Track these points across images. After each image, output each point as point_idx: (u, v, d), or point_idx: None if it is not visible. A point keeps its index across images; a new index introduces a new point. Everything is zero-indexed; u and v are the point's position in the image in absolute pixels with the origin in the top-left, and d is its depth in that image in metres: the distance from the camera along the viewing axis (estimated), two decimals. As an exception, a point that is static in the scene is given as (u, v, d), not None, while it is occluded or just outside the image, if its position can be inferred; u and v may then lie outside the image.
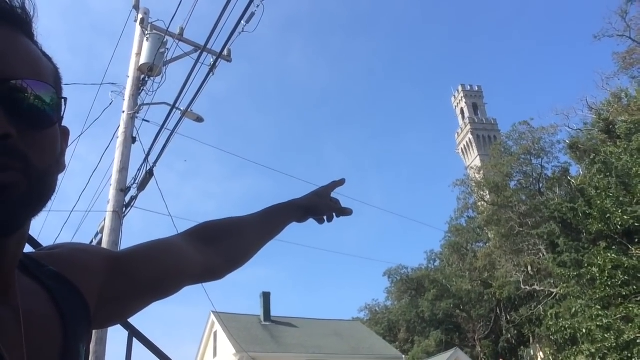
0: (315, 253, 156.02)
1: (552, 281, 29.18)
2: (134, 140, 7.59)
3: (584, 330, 20.34)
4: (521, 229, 31.63)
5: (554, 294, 28.29)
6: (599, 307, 20.55)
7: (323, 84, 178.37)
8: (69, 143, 0.72)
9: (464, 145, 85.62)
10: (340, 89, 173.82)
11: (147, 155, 7.25)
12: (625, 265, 20.09)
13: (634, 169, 21.58)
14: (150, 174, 7.24)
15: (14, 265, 0.64)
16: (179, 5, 6.58)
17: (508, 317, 35.78)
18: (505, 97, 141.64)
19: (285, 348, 25.58)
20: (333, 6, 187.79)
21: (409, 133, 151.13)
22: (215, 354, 27.12)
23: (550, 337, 25.44)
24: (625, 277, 20.11)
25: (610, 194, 21.97)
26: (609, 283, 20.46)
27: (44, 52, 0.67)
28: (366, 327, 35.27)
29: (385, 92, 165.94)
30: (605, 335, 19.32)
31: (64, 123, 0.67)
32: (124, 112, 7.76)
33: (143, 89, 7.97)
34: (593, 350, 19.77)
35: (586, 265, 22.09)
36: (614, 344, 19.01)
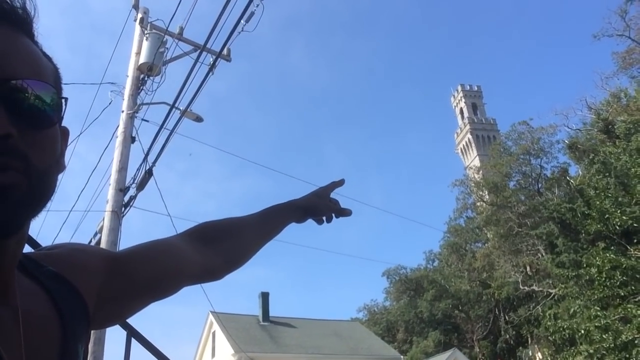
0: (314, 253, 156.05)
1: (550, 281, 29.21)
2: (133, 139, 7.59)
3: (583, 331, 20.36)
4: (520, 229, 31.62)
5: (552, 294, 28.29)
6: (598, 308, 20.56)
7: (323, 84, 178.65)
8: (69, 143, 0.72)
9: (463, 145, 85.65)
10: (340, 89, 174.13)
11: (147, 154, 7.26)
12: (624, 266, 20.12)
13: (633, 169, 21.59)
14: (149, 173, 7.23)
15: (13, 265, 0.64)
16: (179, 4, 6.59)
17: (506, 317, 35.78)
18: (505, 97, 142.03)
19: (283, 348, 25.58)
20: (333, 6, 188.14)
21: (409, 133, 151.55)
22: (213, 354, 27.09)
23: (549, 337, 25.41)
24: (624, 278, 20.14)
25: (609, 195, 21.99)
26: (608, 283, 20.49)
27: (44, 52, 0.67)
28: (365, 327, 35.24)
29: (385, 92, 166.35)
30: (604, 336, 19.33)
31: (63, 123, 0.67)
32: (123, 111, 7.76)
33: (142, 89, 7.97)
34: (591, 351, 19.78)
35: (585, 265, 22.11)
36: (612, 345, 19.01)
